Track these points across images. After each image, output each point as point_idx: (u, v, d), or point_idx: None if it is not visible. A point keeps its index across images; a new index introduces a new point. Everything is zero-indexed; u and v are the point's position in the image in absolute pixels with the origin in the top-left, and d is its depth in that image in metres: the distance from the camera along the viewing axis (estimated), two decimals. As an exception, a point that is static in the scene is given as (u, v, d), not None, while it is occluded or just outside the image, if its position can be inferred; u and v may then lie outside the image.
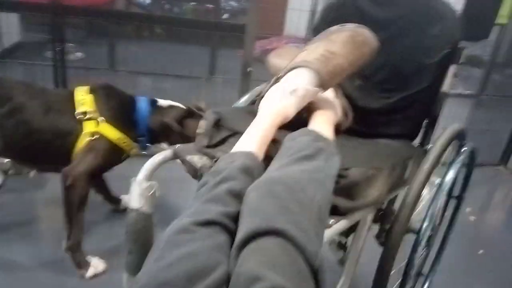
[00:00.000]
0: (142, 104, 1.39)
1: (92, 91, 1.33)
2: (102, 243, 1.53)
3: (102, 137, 1.29)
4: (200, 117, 1.28)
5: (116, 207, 1.73)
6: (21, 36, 3.44)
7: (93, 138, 1.28)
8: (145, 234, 0.83)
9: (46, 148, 1.29)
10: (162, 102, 1.44)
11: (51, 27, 1.97)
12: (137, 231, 0.82)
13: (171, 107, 1.44)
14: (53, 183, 1.93)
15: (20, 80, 1.37)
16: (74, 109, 1.28)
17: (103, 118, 1.29)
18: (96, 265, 1.39)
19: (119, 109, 1.35)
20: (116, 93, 1.38)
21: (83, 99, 1.30)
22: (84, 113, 1.28)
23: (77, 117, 1.27)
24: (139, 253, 0.83)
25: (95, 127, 1.28)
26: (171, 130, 1.39)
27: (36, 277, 1.36)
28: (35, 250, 1.47)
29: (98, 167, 1.31)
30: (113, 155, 1.35)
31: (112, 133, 1.30)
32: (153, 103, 1.42)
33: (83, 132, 1.27)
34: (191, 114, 1.42)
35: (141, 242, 0.83)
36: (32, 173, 1.63)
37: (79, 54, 3.29)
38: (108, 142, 1.30)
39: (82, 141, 1.28)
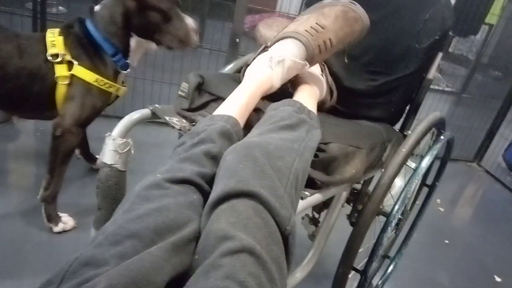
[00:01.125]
0: (89, 25, 1.24)
1: (62, 32, 1.24)
2: (74, 200, 1.51)
3: (80, 81, 1.22)
4: None
5: (92, 165, 1.70)
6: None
7: (71, 84, 1.22)
8: (117, 191, 0.81)
9: (23, 93, 1.23)
10: (98, 6, 1.26)
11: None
12: (108, 187, 0.80)
13: (107, 1, 1.25)
14: (25, 134, 1.88)
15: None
16: (46, 51, 1.21)
17: (75, 60, 1.21)
18: (66, 221, 1.37)
19: (85, 45, 1.24)
20: (80, 32, 1.25)
21: (54, 40, 1.22)
22: (56, 55, 1.20)
23: (48, 59, 1.19)
24: (109, 210, 0.81)
25: (67, 70, 1.21)
26: (125, 16, 1.22)
27: (1, 228, 1.33)
28: (2, 201, 1.44)
29: (87, 115, 1.27)
30: (99, 99, 1.28)
31: (88, 75, 1.23)
32: (92, 13, 1.25)
33: (55, 75, 1.21)
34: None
35: (112, 199, 0.81)
36: (15, 119, 1.57)
37: (61, 8, 3.16)
38: (88, 86, 1.24)
39: (59, 86, 1.22)
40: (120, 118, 0.86)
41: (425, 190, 1.39)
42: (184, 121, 0.89)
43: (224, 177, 0.58)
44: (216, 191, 0.56)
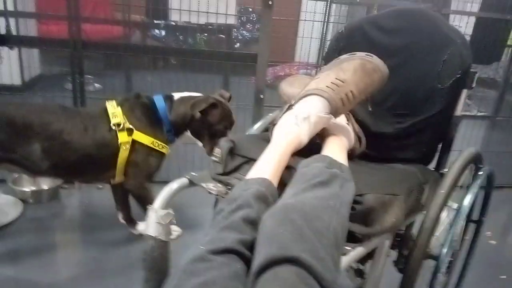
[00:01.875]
0: (160, 102, 1.51)
1: (119, 104, 1.47)
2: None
3: (140, 144, 1.44)
4: (219, 103, 1.51)
5: (133, 230, 1.78)
6: (41, 69, 3.58)
7: (132, 149, 1.44)
8: (162, 262, 0.83)
9: (89, 161, 1.42)
10: (177, 94, 1.56)
11: (70, 61, 2.05)
12: (154, 259, 0.83)
13: (187, 98, 1.53)
14: (71, 209, 1.98)
15: (53, 103, 1.52)
16: (109, 122, 1.42)
17: (133, 127, 1.43)
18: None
19: (146, 115, 1.48)
20: (141, 101, 1.51)
21: (114, 112, 1.43)
22: (118, 124, 1.41)
23: (113, 128, 1.41)
24: (155, 281, 0.83)
25: (128, 136, 1.42)
26: (191, 119, 1.50)
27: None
28: (52, 276, 1.49)
29: (150, 172, 1.51)
30: (156, 157, 1.51)
31: (145, 139, 1.45)
32: (169, 98, 1.54)
33: (119, 142, 1.41)
34: (213, 105, 1.50)
35: (158, 270, 0.83)
36: (77, 185, 1.76)
37: (97, 85, 3.40)
38: (146, 148, 1.46)
39: (122, 151, 1.43)
40: (156, 182, 0.90)
41: (472, 225, 1.33)
42: (219, 185, 0.92)
43: (265, 244, 0.60)
44: (259, 259, 0.57)
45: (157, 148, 1.48)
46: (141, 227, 1.73)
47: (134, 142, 1.43)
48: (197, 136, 1.56)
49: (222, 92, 1.62)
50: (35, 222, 1.83)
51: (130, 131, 1.42)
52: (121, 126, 1.41)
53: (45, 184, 2.13)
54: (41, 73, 3.61)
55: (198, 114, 1.48)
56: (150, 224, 0.84)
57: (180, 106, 1.51)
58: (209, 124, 1.51)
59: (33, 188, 2.08)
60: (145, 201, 1.45)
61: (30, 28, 2.93)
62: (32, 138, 1.34)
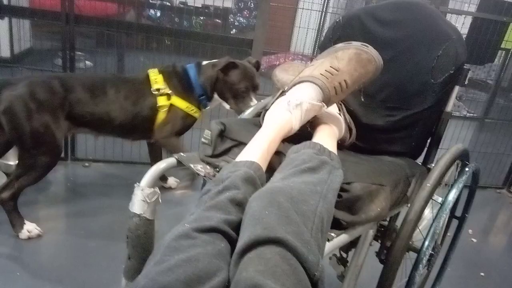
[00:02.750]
0: (191, 70, 1.69)
1: (160, 71, 1.66)
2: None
3: (175, 108, 1.64)
4: (239, 64, 1.65)
5: (164, 184, 1.99)
6: (32, 42, 3.50)
7: (169, 111, 1.63)
8: (146, 240, 0.83)
9: (138, 121, 1.63)
10: (205, 62, 1.72)
11: (62, 35, 2.01)
12: (138, 237, 0.82)
13: (213, 62, 1.68)
14: (55, 185, 1.95)
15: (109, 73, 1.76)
16: (150, 87, 1.63)
17: (172, 92, 1.63)
18: None
19: (181, 82, 1.67)
20: (176, 70, 1.70)
21: (156, 78, 1.63)
22: (158, 89, 1.61)
23: (153, 93, 1.61)
24: (138, 259, 0.83)
25: (166, 100, 1.62)
26: (216, 80, 1.65)
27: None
28: (33, 251, 1.48)
29: (179, 129, 1.68)
30: (185, 120, 1.70)
31: (182, 103, 1.65)
32: (198, 64, 1.71)
33: (158, 105, 1.61)
34: (231, 64, 1.63)
35: (141, 248, 0.83)
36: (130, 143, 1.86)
37: (88, 63, 3.34)
38: (180, 111, 1.66)
39: (160, 113, 1.63)
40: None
41: (455, 222, 1.36)
42: (208, 167, 0.92)
43: (250, 224, 0.60)
44: (243, 239, 0.57)
45: (190, 112, 1.67)
46: (170, 181, 2.02)
47: (171, 105, 1.63)
48: (223, 97, 1.69)
49: (250, 58, 1.75)
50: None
51: (168, 96, 1.62)
52: (161, 91, 1.60)
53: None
54: (31, 46, 3.53)
55: (219, 73, 1.63)
56: (135, 202, 0.84)
57: (207, 70, 1.66)
58: (231, 84, 1.63)
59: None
60: (175, 151, 1.59)
61: (22, -1, 2.86)
62: (99, 103, 1.56)
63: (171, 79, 1.66)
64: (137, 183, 0.86)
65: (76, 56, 2.11)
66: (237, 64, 1.64)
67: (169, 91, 1.63)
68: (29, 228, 1.54)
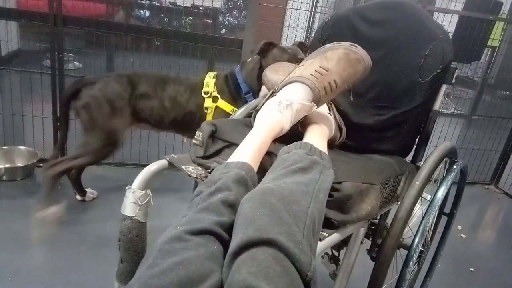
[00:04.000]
0: (237, 70, 1.74)
1: (215, 75, 1.74)
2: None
3: (221, 111, 1.70)
4: (276, 44, 1.65)
5: (81, 197, 1.89)
6: (19, 44, 3.46)
7: (216, 113, 1.70)
8: (138, 242, 0.83)
9: (189, 119, 1.72)
10: (248, 60, 1.76)
11: (50, 37, 1.99)
12: (130, 240, 0.82)
13: (251, 50, 1.71)
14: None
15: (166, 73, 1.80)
16: (202, 89, 1.72)
17: (219, 96, 1.70)
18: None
19: (229, 85, 1.72)
20: (228, 74, 1.75)
21: (208, 82, 1.72)
22: (206, 92, 1.69)
23: (202, 95, 1.71)
24: (131, 262, 0.83)
25: (212, 102, 1.69)
26: (259, 70, 1.66)
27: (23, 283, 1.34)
28: (22, 254, 1.46)
29: None
30: None
31: (227, 106, 1.70)
32: (243, 63, 1.75)
33: (204, 106, 1.69)
34: (268, 44, 1.64)
35: (134, 251, 0.82)
36: (185, 139, 1.92)
37: (76, 64, 3.31)
38: (225, 114, 1.69)
39: (209, 115, 1.70)
40: (136, 165, 0.89)
41: (444, 218, 1.38)
42: (200, 168, 0.92)
43: (243, 226, 0.60)
44: (236, 241, 0.58)
45: None
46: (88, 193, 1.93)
47: (216, 107, 1.70)
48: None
49: (300, 42, 1.73)
50: (8, 200, 1.79)
51: (215, 99, 1.69)
52: (209, 94, 1.69)
53: (20, 161, 2.08)
54: (19, 48, 3.48)
55: (261, 61, 1.66)
56: (127, 205, 0.83)
57: (249, 63, 1.72)
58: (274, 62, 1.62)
59: (7, 165, 2.03)
60: None
61: (9, 0, 2.82)
62: (157, 100, 1.68)
63: (221, 82, 1.72)
64: (129, 186, 0.85)
65: (64, 57, 2.09)
66: (274, 43, 1.65)
67: (217, 94, 1.70)
68: (52, 210, 1.70)
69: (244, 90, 1.71)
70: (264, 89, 1.66)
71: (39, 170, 2.09)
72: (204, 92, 1.70)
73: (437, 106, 1.13)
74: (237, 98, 1.72)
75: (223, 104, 1.70)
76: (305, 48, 1.69)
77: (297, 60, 1.59)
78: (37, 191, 1.92)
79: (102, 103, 1.62)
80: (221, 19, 4.80)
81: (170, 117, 1.72)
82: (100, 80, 1.65)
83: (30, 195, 1.88)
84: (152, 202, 0.86)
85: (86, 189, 1.84)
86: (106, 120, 1.63)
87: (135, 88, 1.68)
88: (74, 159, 1.65)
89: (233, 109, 1.69)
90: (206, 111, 1.70)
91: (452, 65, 1.08)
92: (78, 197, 1.87)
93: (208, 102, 1.70)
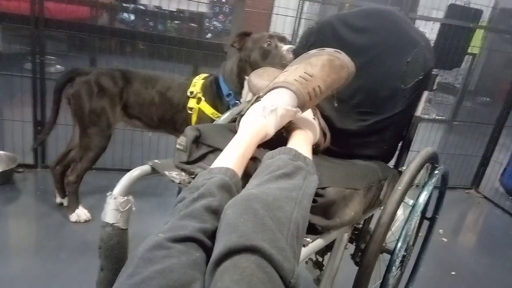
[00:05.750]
0: (219, 74, 1.71)
1: (205, 77, 1.73)
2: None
3: (202, 113, 1.68)
4: (249, 33, 1.66)
5: (61, 199, 1.85)
6: (0, 46, 3.38)
7: (198, 114, 1.68)
8: (119, 250, 0.81)
9: (178, 118, 1.72)
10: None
11: (31, 39, 1.95)
12: (111, 247, 0.80)
13: (230, 60, 1.73)
14: (25, 194, 1.89)
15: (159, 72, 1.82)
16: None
17: (203, 97, 1.68)
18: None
19: (213, 88, 1.70)
20: (213, 79, 1.72)
21: (196, 82, 1.71)
22: (192, 92, 1.68)
23: (188, 95, 1.70)
24: (111, 270, 0.81)
25: (195, 103, 1.68)
26: (238, 64, 1.66)
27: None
28: (3, 263, 1.42)
29: None
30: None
31: (208, 109, 1.68)
32: (222, 66, 1.74)
33: (188, 106, 1.68)
34: (243, 34, 1.65)
35: (114, 258, 0.81)
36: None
37: (59, 67, 3.25)
38: (205, 116, 1.68)
39: (193, 116, 1.69)
40: (119, 170, 0.88)
41: (426, 222, 1.39)
42: (183, 174, 0.91)
43: (226, 232, 0.59)
44: (219, 248, 0.57)
45: (214, 118, 1.68)
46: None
47: (199, 109, 1.69)
48: (264, 65, 1.59)
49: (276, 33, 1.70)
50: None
51: (199, 100, 1.68)
52: (194, 94, 1.68)
53: (-2, 167, 2.03)
54: (0, 50, 3.40)
55: (240, 55, 1.64)
56: (108, 211, 0.82)
57: (228, 64, 1.71)
58: (253, 49, 1.61)
59: (-15, 171, 1.98)
60: None
61: (-13, 1, 2.75)
62: (147, 96, 1.70)
63: (207, 84, 1.71)
64: (110, 192, 0.84)
65: (46, 60, 2.05)
66: (249, 32, 1.64)
67: (201, 96, 1.69)
68: (80, 213, 1.74)
69: (225, 93, 1.69)
70: (247, 88, 1.63)
71: (18, 175, 2.04)
72: (190, 92, 1.70)
73: (419, 112, 1.15)
74: (218, 101, 1.71)
75: (204, 106, 1.69)
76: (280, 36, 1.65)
77: (279, 39, 1.60)
78: (16, 197, 1.87)
79: (94, 90, 1.64)
80: (207, 24, 4.79)
81: (158, 114, 1.73)
82: (94, 71, 1.69)
83: (9, 201, 1.83)
84: (134, 208, 0.84)
85: (81, 207, 1.78)
86: (97, 107, 1.64)
87: (127, 83, 1.70)
88: (80, 159, 1.69)
89: (213, 112, 1.68)
90: (190, 111, 1.69)
91: (433, 72, 1.10)
92: (58, 199, 1.84)
93: (192, 103, 1.69)
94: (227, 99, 1.68)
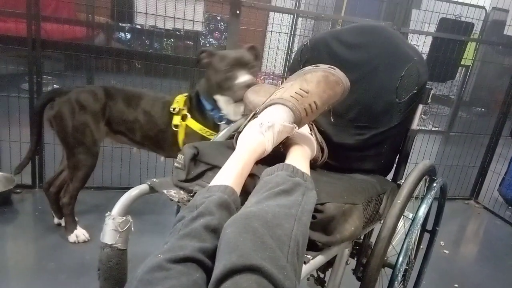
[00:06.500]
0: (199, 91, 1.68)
1: (186, 95, 1.71)
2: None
3: (190, 129, 1.66)
4: (210, 52, 1.61)
5: (58, 219, 1.84)
6: (-4, 67, 3.39)
7: (186, 131, 1.65)
8: (118, 271, 0.80)
9: (162, 136, 1.70)
10: None
11: (28, 60, 1.96)
12: (110, 269, 0.79)
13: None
14: (24, 215, 1.87)
15: (144, 89, 1.80)
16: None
17: (189, 114, 1.66)
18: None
19: (197, 106, 1.68)
20: (195, 95, 1.69)
21: (179, 99, 1.69)
22: (174, 109, 1.66)
23: (171, 112, 1.67)
24: (111, 292, 0.80)
25: (180, 120, 1.65)
26: (207, 82, 1.64)
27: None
28: (2, 286, 1.40)
29: None
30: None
31: (195, 125, 1.65)
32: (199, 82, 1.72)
33: (173, 123, 1.65)
34: (202, 53, 1.62)
35: (114, 280, 0.80)
36: (163, 159, 1.89)
37: (56, 86, 3.26)
38: (195, 133, 1.65)
39: (180, 133, 1.66)
40: (117, 189, 0.88)
41: (427, 235, 1.39)
42: (182, 192, 0.91)
43: (226, 252, 0.59)
44: (219, 268, 0.57)
45: (204, 134, 1.66)
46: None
47: (186, 126, 1.66)
48: (221, 92, 1.60)
49: (251, 46, 1.66)
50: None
51: (185, 117, 1.65)
52: (177, 110, 1.65)
53: (-4, 188, 2.02)
54: (-5, 71, 3.42)
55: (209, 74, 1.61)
56: (107, 232, 0.81)
57: (203, 80, 1.69)
58: (215, 73, 1.58)
59: (-18, 193, 1.96)
60: None
61: (-15, 24, 2.78)
62: (131, 113, 1.69)
63: (191, 101, 1.69)
64: (108, 212, 0.83)
65: (43, 80, 2.06)
66: (213, 52, 1.59)
67: (186, 113, 1.66)
68: (78, 233, 1.73)
69: (208, 108, 1.66)
70: (219, 100, 1.60)
71: (16, 196, 2.02)
72: (173, 108, 1.67)
73: (414, 125, 1.16)
74: (204, 116, 1.67)
75: (191, 122, 1.66)
76: (255, 51, 1.63)
77: (242, 63, 1.54)
78: (15, 218, 1.85)
79: (75, 108, 1.63)
80: (202, 41, 4.85)
81: (143, 131, 1.72)
82: (73, 89, 1.68)
83: (7, 222, 1.81)
84: (133, 229, 0.84)
85: (79, 228, 1.76)
86: (79, 124, 1.63)
87: (110, 99, 1.69)
88: (70, 180, 1.67)
89: (201, 128, 1.65)
90: (175, 128, 1.66)
91: (427, 86, 1.12)
92: (56, 220, 1.82)
93: (176, 120, 1.66)
94: (211, 113, 1.65)
